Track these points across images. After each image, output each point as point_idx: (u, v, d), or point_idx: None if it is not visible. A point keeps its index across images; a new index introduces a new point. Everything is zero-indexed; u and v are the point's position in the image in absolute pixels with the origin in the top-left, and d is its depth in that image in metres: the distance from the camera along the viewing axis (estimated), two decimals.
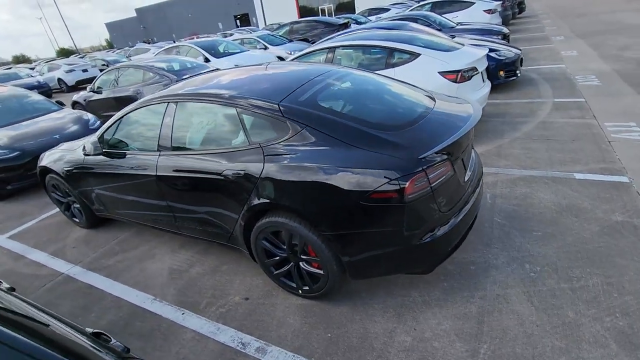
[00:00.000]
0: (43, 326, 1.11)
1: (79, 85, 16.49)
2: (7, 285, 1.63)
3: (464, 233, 2.15)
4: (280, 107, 2.09)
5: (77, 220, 3.65)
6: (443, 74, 3.99)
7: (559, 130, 4.37)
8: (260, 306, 2.35)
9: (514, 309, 2.06)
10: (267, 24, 34.43)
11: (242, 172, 2.12)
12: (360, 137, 1.93)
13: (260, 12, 44.34)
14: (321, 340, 2.06)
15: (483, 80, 4.45)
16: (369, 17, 16.97)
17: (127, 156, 2.76)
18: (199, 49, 9.32)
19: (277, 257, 2.28)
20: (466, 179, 2.18)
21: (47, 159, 3.43)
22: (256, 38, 11.61)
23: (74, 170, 3.16)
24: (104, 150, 2.89)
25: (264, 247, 2.28)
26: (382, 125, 2.01)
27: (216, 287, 2.57)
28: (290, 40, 11.83)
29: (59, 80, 16.64)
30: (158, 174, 2.53)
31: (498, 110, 5.40)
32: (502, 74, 6.00)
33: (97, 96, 7.41)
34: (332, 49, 4.56)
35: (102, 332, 1.20)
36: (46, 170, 3.43)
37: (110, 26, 69.09)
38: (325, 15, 40.47)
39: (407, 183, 1.75)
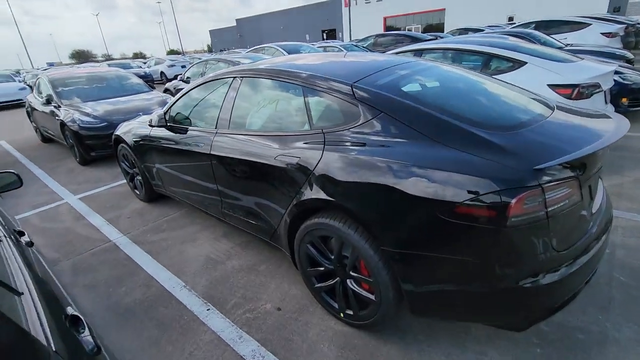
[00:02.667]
0: (12, 294, 0.88)
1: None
2: (28, 239, 1.50)
3: (579, 289, 1.54)
4: (354, 89, 1.74)
5: (138, 192, 3.72)
6: (554, 87, 3.29)
7: None
8: (293, 321, 1.98)
9: None
10: (351, 40, 35.06)
11: (295, 160, 1.81)
12: (451, 132, 1.47)
13: (348, 29, 45.42)
14: None
15: (606, 102, 3.61)
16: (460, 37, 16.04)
17: (187, 132, 2.65)
18: (282, 50, 9.59)
19: (322, 268, 1.90)
20: (593, 211, 1.57)
21: (121, 129, 3.55)
22: (339, 47, 11.62)
23: (141, 142, 3.19)
24: (168, 124, 2.84)
25: (308, 252, 1.92)
26: (481, 123, 1.53)
27: (248, 287, 2.28)
28: (372, 52, 11.62)
29: (161, 73, 18.70)
30: (212, 153, 2.35)
31: (616, 143, 4.38)
32: (625, 101, 4.91)
33: (184, 85, 7.93)
34: (418, 52, 4.13)
35: (82, 318, 0.95)
36: (118, 140, 3.55)
37: (213, 33, 76.98)
38: None
39: (514, 200, 1.25)
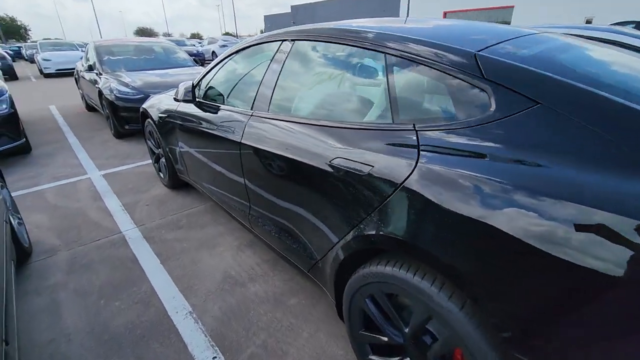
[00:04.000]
0: None
1: None
2: None
3: None
4: (479, 60, 1.02)
5: (162, 176, 3.26)
6: None
7: None
8: None
9: None
10: None
11: (366, 169, 1.13)
12: None
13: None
14: None
15: None
16: None
17: (218, 112, 2.07)
18: None
19: (385, 338, 1.23)
20: None
21: (148, 102, 3.08)
22: None
23: (166, 119, 2.68)
24: (196, 99, 2.28)
25: (366, 309, 1.26)
26: None
27: (272, 331, 1.67)
28: None
29: (213, 52, 18.73)
30: (242, 142, 1.74)
31: None
32: None
33: None
34: None
35: None
36: (145, 114, 3.09)
37: (267, 18, 77.58)
38: None
39: None
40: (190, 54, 16.38)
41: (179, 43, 18.83)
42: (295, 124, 1.49)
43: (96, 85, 4.95)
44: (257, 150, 1.65)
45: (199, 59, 16.61)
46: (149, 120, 3.00)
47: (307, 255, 1.56)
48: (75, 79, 6.90)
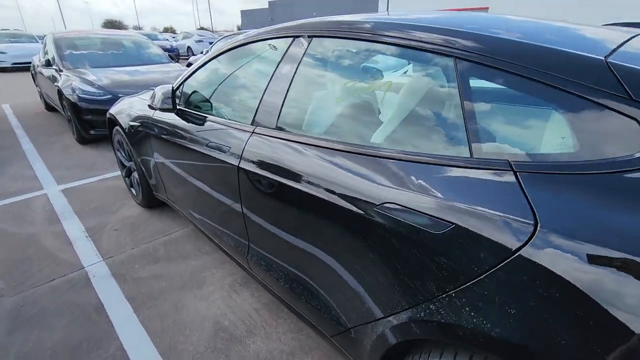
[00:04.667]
0: None
1: None
2: None
3: None
4: (615, 70, 0.70)
5: (135, 193, 2.79)
6: None
7: None
8: None
9: None
10: None
11: (444, 226, 0.78)
12: None
13: None
14: None
15: None
16: None
17: (206, 123, 1.66)
18: None
19: None
20: None
21: (116, 107, 2.60)
22: None
23: (138, 127, 2.23)
24: (177, 107, 1.86)
25: None
26: None
27: None
28: None
29: (188, 48, 17.85)
30: (242, 166, 1.35)
31: None
32: None
33: None
34: None
35: None
36: (113, 121, 2.60)
37: (244, 13, 75.96)
38: None
39: None
40: (164, 49, 15.55)
41: (151, 37, 17.81)
42: (317, 149, 1.11)
43: (55, 84, 4.34)
44: (263, 180, 1.26)
45: (174, 55, 15.76)
46: (118, 128, 2.52)
47: (331, 318, 1.20)
48: (32, 74, 6.17)
